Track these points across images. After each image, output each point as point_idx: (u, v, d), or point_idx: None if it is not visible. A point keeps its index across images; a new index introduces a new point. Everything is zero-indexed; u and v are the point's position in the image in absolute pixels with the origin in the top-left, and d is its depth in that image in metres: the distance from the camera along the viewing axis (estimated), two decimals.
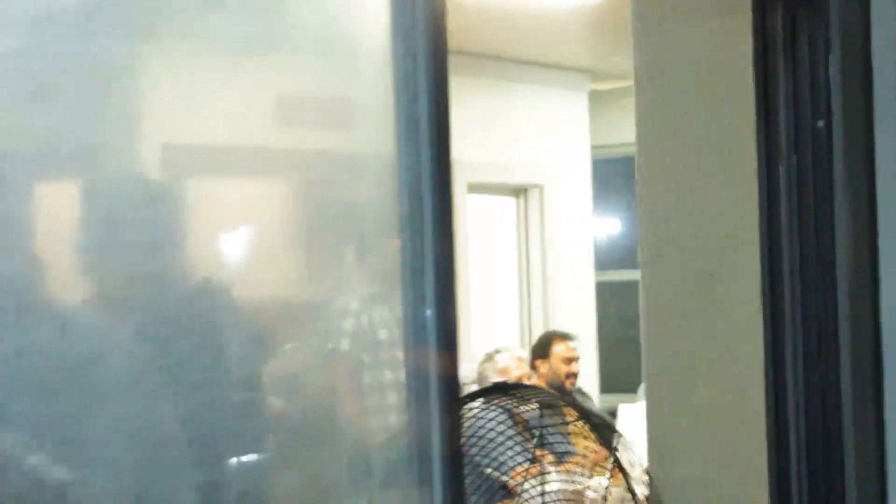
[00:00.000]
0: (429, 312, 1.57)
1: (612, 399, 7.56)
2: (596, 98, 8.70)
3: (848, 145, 2.33)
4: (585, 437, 2.53)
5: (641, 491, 2.48)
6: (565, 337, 7.13)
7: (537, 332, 8.56)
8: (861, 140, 2.35)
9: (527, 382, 6.71)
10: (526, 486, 2.60)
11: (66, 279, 1.33)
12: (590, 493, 2.67)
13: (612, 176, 9.18)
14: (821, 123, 2.32)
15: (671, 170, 2.75)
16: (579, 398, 7.13)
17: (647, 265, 2.81)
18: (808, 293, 2.35)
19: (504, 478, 2.68)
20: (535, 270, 8.58)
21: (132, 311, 1.40)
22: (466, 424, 2.69)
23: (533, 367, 7.07)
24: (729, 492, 2.68)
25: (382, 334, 1.72)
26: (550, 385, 6.97)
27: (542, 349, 7.07)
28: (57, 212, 1.34)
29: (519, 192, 8.61)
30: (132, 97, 1.38)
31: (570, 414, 2.38)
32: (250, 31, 1.53)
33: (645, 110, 2.81)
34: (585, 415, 2.42)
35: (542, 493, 2.42)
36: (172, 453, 1.46)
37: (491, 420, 2.65)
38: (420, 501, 1.56)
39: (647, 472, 2.43)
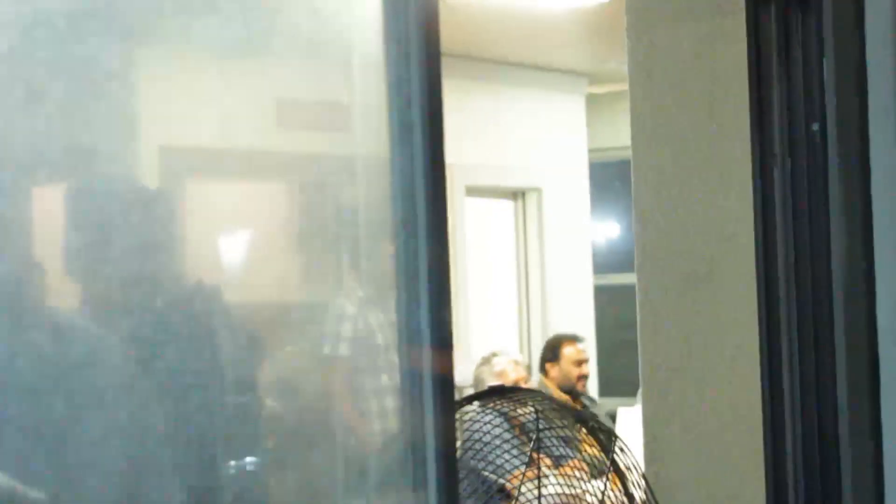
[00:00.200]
0: (423, 316, 1.58)
1: (611, 403, 7.56)
2: (593, 101, 8.71)
3: (842, 148, 2.33)
4: (591, 445, 2.53)
5: (639, 495, 2.48)
6: (574, 339, 7.14)
7: (536, 336, 8.56)
8: (856, 143, 2.35)
9: (523, 386, 6.72)
10: (523, 489, 2.60)
11: (58, 283, 1.33)
12: (588, 498, 2.67)
13: (609, 179, 9.19)
14: (815, 126, 2.32)
15: (665, 173, 2.75)
16: (587, 402, 7.14)
17: (642, 268, 2.81)
18: (804, 296, 2.35)
19: (501, 480, 2.68)
20: (534, 274, 8.59)
21: (125, 315, 1.40)
22: (463, 428, 2.69)
23: (543, 370, 7.08)
24: (725, 494, 2.69)
25: (379, 338, 1.72)
26: (562, 388, 6.99)
27: (551, 352, 7.08)
28: (50, 215, 1.34)
29: (517, 195, 8.62)
30: (124, 101, 1.38)
31: (567, 418, 2.39)
32: (243, 34, 1.53)
33: (639, 113, 2.81)
34: (581, 418, 2.43)
35: (539, 497, 2.42)
36: (167, 457, 1.46)
37: (487, 423, 2.65)
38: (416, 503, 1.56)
39: (644, 476, 2.43)
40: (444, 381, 1.58)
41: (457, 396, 2.91)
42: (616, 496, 2.47)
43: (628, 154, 2.86)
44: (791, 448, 2.34)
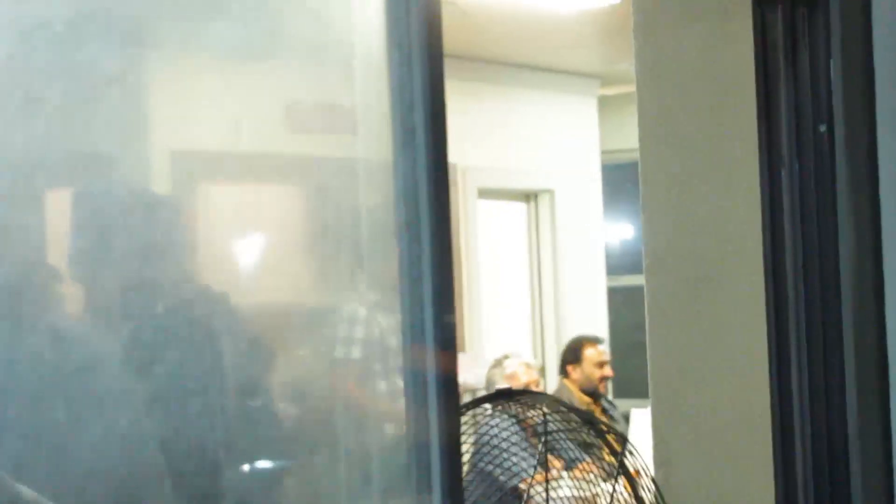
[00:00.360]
0: (427, 318, 1.58)
1: (624, 404, 7.55)
2: (605, 103, 8.70)
3: (850, 148, 2.33)
4: (608, 454, 2.53)
5: (649, 497, 2.48)
6: (595, 341, 7.15)
7: (549, 338, 8.55)
8: (863, 143, 2.34)
9: (535, 390, 6.72)
10: (533, 492, 2.60)
11: (61, 287, 1.34)
12: (599, 501, 2.67)
13: (622, 180, 9.17)
14: (822, 127, 2.32)
15: (673, 174, 2.75)
16: (606, 405, 7.13)
17: (650, 270, 2.81)
18: (812, 298, 2.34)
19: (514, 481, 2.68)
20: (547, 276, 8.58)
21: (134, 318, 1.40)
22: (472, 430, 2.69)
23: (564, 372, 7.08)
24: (734, 496, 2.68)
25: (392, 341, 1.72)
26: (583, 390, 6.99)
27: (573, 354, 7.08)
28: (61, 220, 1.35)
29: (529, 197, 8.61)
30: (125, 105, 1.38)
31: (575, 420, 2.38)
32: (246, 39, 1.54)
33: (647, 115, 2.81)
34: (589, 421, 2.42)
35: (548, 500, 2.42)
36: (173, 461, 1.46)
37: (495, 427, 2.65)
38: None
39: (653, 480, 2.43)
40: (449, 383, 1.58)
41: (470, 398, 2.92)
42: (626, 499, 2.47)
43: None
44: (800, 451, 2.34)
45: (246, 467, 1.55)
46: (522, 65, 8.17)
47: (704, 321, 2.73)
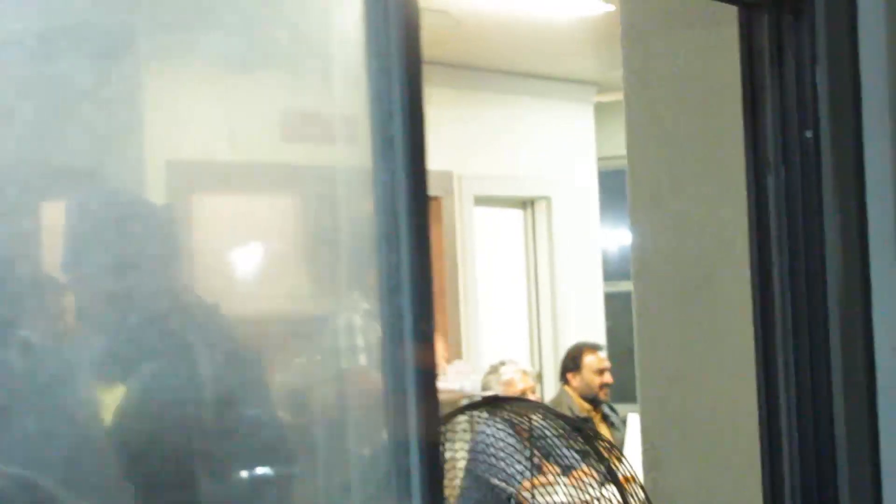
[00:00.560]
0: (406, 328, 1.58)
1: (622, 409, 7.56)
2: (602, 109, 8.71)
3: (836, 154, 2.33)
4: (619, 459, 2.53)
5: None
6: (595, 348, 7.15)
7: (546, 345, 8.55)
8: (849, 149, 2.34)
9: (531, 396, 6.71)
10: (531, 497, 2.60)
11: (42, 296, 1.34)
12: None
13: (619, 187, 9.15)
14: (809, 133, 2.32)
15: (660, 181, 2.75)
16: (607, 411, 7.13)
17: (638, 275, 2.82)
18: (799, 302, 2.34)
19: (510, 489, 2.68)
20: (544, 282, 8.58)
21: (125, 326, 1.40)
22: (468, 436, 2.69)
23: (564, 379, 7.08)
24: (724, 499, 2.68)
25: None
26: (584, 397, 6.99)
27: (573, 362, 7.08)
28: (46, 230, 1.35)
29: (526, 204, 8.61)
30: (103, 116, 1.39)
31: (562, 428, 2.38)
32: (226, 50, 1.54)
33: (634, 122, 2.82)
34: (578, 428, 2.42)
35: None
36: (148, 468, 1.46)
37: (490, 435, 2.65)
38: None
39: (642, 487, 2.43)
40: (428, 391, 1.58)
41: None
42: None
43: None
44: (787, 453, 2.34)
45: (239, 474, 1.56)
46: (518, 72, 8.18)
47: (692, 326, 2.74)
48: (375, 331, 1.60)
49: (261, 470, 1.59)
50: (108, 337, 1.41)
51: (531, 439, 2.63)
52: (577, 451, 2.54)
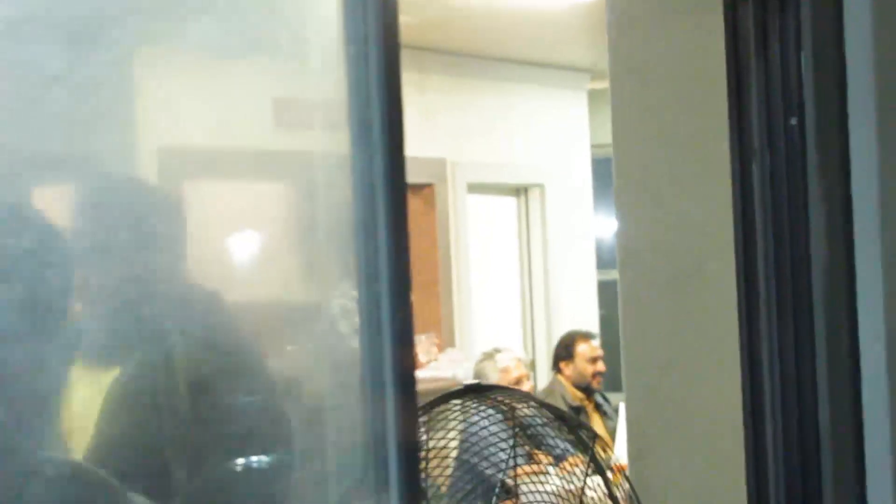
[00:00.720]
0: (385, 317, 1.57)
1: (615, 397, 7.56)
2: (595, 97, 8.69)
3: (821, 142, 2.32)
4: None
5: (622, 494, 2.47)
6: (587, 336, 7.14)
7: (539, 333, 8.55)
8: (834, 136, 2.34)
9: (526, 384, 6.71)
10: (523, 485, 2.59)
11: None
12: (588, 493, 2.66)
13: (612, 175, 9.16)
14: (794, 120, 2.31)
15: (647, 170, 2.75)
16: (600, 400, 7.13)
17: (624, 265, 2.81)
18: (783, 291, 2.34)
19: (500, 476, 2.68)
20: (537, 270, 8.58)
21: (124, 317, 1.39)
22: (459, 425, 2.68)
23: (557, 368, 7.08)
24: (710, 492, 2.68)
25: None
26: (577, 385, 6.99)
27: (565, 350, 7.07)
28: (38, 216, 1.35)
29: (519, 191, 8.61)
30: (78, 103, 1.38)
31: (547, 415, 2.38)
32: (201, 35, 1.53)
33: (620, 110, 2.81)
34: (562, 417, 2.42)
35: (520, 493, 2.42)
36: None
37: (477, 423, 2.65)
38: None
39: (627, 477, 2.43)
40: (406, 382, 1.57)
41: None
42: (599, 497, 2.46)
43: None
44: (771, 443, 2.33)
45: (225, 463, 1.55)
46: (512, 60, 8.16)
47: (681, 316, 2.73)
48: (354, 319, 1.59)
49: (242, 459, 1.59)
50: (111, 321, 1.40)
51: (520, 428, 2.62)
52: (570, 441, 2.54)
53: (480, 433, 2.62)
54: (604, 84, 9.10)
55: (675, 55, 2.72)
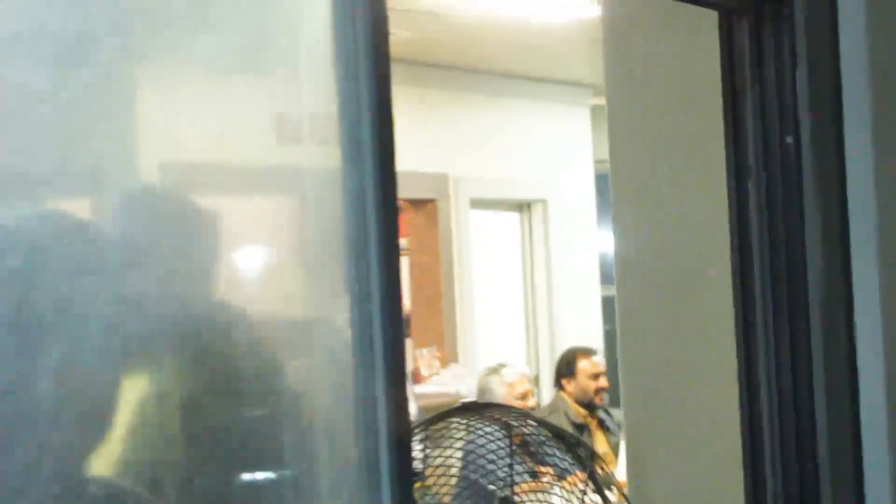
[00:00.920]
0: (377, 335, 1.57)
1: (619, 413, 7.54)
2: (598, 112, 8.70)
3: (817, 160, 2.32)
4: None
5: None
6: (589, 352, 7.11)
7: (543, 348, 8.55)
8: (831, 154, 2.34)
9: (531, 399, 6.71)
10: (529, 502, 2.59)
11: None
12: None
13: None
14: (789, 138, 2.32)
15: (643, 185, 2.75)
16: (603, 415, 7.12)
17: (621, 278, 2.81)
18: (780, 308, 2.34)
19: (502, 492, 2.68)
20: (540, 286, 8.58)
21: (119, 331, 1.39)
22: (462, 442, 2.69)
23: (559, 385, 7.06)
24: (705, 497, 2.67)
25: None
26: (579, 402, 6.97)
27: (567, 367, 7.05)
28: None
29: (522, 207, 8.61)
30: (61, 120, 1.38)
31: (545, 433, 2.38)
32: (190, 51, 1.54)
33: (616, 125, 2.81)
34: (559, 434, 2.42)
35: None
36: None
37: (481, 437, 2.65)
38: None
39: (625, 496, 2.42)
40: (398, 401, 1.57)
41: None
42: None
43: None
44: (769, 455, 2.33)
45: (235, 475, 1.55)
46: (515, 75, 8.18)
47: (676, 329, 2.73)
48: (345, 335, 1.59)
49: (249, 470, 1.59)
50: (113, 338, 1.40)
51: (523, 444, 2.62)
52: (575, 458, 2.54)
53: (478, 451, 2.62)
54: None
55: (669, 71, 2.72)
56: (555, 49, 7.58)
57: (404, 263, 7.86)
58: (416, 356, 7.48)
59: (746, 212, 2.34)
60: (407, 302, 8.04)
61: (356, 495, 1.58)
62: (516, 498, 2.52)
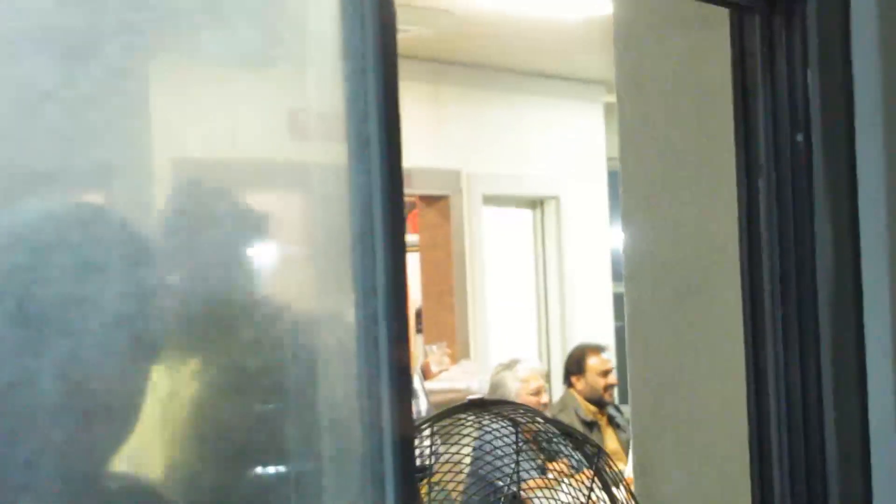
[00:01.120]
0: (382, 333, 1.57)
1: (628, 409, 7.53)
2: (611, 109, 8.69)
3: (828, 158, 2.32)
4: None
5: None
6: (598, 349, 7.09)
7: (555, 345, 8.54)
8: (842, 153, 2.33)
9: (544, 395, 6.70)
10: (536, 498, 2.59)
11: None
12: None
13: None
14: (800, 136, 2.31)
15: (654, 184, 2.74)
16: (613, 412, 7.11)
17: (630, 278, 2.80)
18: (789, 308, 2.33)
19: (510, 489, 2.67)
20: (553, 282, 8.57)
21: (129, 327, 1.39)
22: (473, 437, 2.69)
23: (568, 382, 7.04)
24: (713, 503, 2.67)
25: None
26: (589, 399, 6.95)
27: (576, 365, 7.03)
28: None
29: (535, 203, 8.61)
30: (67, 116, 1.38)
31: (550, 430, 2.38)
32: (196, 47, 1.54)
33: (626, 124, 2.81)
34: (567, 432, 2.41)
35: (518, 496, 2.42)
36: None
37: (486, 435, 2.65)
38: None
39: (632, 494, 2.42)
40: (403, 395, 1.57)
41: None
42: None
43: None
44: (777, 458, 2.33)
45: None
46: (528, 72, 8.17)
47: (687, 331, 2.72)
48: (350, 330, 1.59)
49: (254, 466, 1.59)
50: (124, 335, 1.40)
51: (533, 440, 2.62)
52: (584, 454, 2.54)
53: (485, 447, 2.62)
54: None
55: (680, 69, 2.71)
56: (568, 46, 7.57)
57: (416, 259, 7.86)
58: (427, 352, 7.48)
59: (756, 210, 2.34)
60: (418, 297, 8.04)
61: (361, 490, 1.58)
62: (523, 494, 2.52)
